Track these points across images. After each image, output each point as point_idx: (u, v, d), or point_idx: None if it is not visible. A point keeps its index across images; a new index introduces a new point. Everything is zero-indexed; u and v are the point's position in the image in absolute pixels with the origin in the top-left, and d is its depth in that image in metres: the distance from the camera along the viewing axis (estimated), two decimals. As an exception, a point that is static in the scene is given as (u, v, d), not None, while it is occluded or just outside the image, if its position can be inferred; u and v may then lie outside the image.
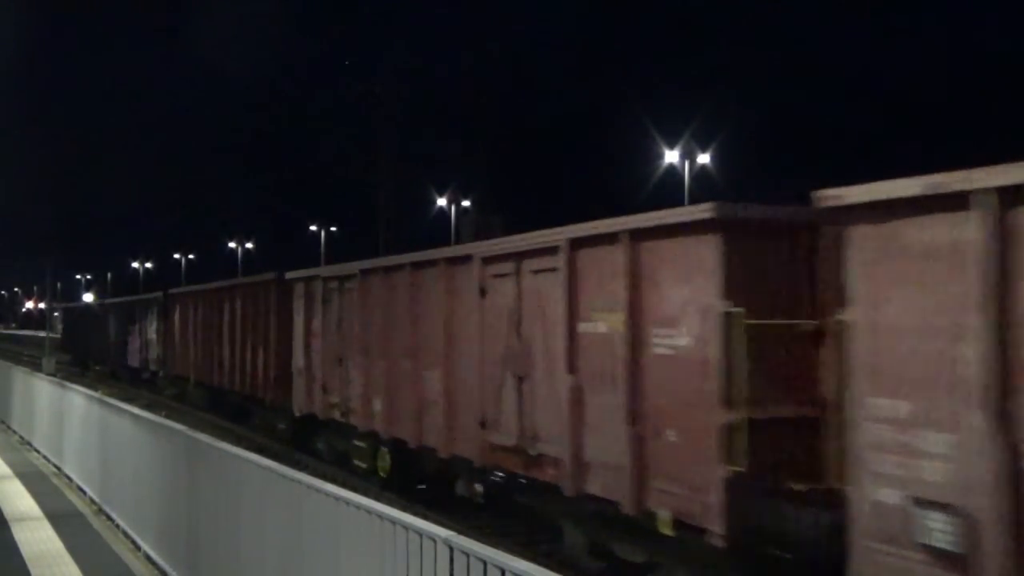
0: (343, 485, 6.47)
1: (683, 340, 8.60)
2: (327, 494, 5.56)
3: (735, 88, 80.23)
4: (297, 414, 18.75)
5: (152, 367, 34.12)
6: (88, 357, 47.25)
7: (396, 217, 48.83)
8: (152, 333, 33.98)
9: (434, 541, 4.42)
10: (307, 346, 18.16)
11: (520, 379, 11.05)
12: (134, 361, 36.86)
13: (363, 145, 50.38)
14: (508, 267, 11.42)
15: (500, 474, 11.72)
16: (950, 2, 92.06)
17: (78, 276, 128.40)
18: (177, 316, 30.56)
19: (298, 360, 18.60)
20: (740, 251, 8.25)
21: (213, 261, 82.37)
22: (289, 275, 19.55)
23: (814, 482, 7.57)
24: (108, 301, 45.80)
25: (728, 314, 8.03)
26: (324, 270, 18.32)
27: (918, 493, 6.10)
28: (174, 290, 32.94)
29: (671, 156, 38.24)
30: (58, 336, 61.12)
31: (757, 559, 7.95)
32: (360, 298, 15.75)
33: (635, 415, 9.14)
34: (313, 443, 18.95)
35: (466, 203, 51.08)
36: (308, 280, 18.42)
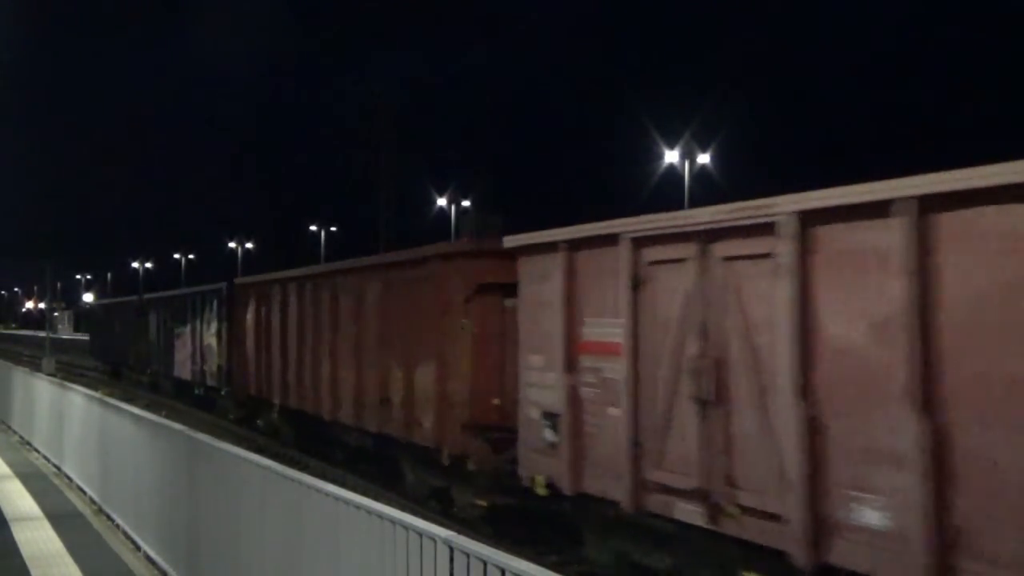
0: (343, 485, 6.47)
1: None
2: (327, 494, 5.55)
3: (735, 88, 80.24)
4: (541, 491, 10.29)
5: (210, 381, 26.09)
6: (122, 364, 39.92)
7: (396, 217, 48.86)
8: (210, 337, 25.86)
9: (434, 541, 4.41)
10: (572, 366, 9.83)
11: None
12: (183, 372, 28.93)
13: (363, 145, 50.43)
14: None
15: None
16: (952, 3, 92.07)
17: (78, 276, 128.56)
18: (250, 315, 22.19)
19: (542, 392, 10.20)
20: None
21: (213, 261, 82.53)
22: (513, 240, 10.97)
23: None
24: (149, 296, 36.87)
25: None
26: (635, 224, 9.22)
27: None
28: (243, 279, 24.60)
29: (671, 156, 38.31)
30: (58, 336, 60.54)
31: None
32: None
33: None
34: (578, 543, 10.42)
35: (466, 203, 51.21)
36: (578, 245, 9.86)
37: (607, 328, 9.48)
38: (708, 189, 36.11)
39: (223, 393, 24.80)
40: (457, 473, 12.67)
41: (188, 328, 28.07)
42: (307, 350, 18.30)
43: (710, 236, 8.23)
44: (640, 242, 9.04)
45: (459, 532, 4.43)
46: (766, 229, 7.57)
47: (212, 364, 25.66)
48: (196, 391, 27.66)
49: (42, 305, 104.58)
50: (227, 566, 7.30)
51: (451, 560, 4.27)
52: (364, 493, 6.26)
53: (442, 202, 52.48)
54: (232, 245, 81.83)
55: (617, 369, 9.32)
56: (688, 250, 8.48)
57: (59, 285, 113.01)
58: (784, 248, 7.37)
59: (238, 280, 24.49)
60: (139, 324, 35.11)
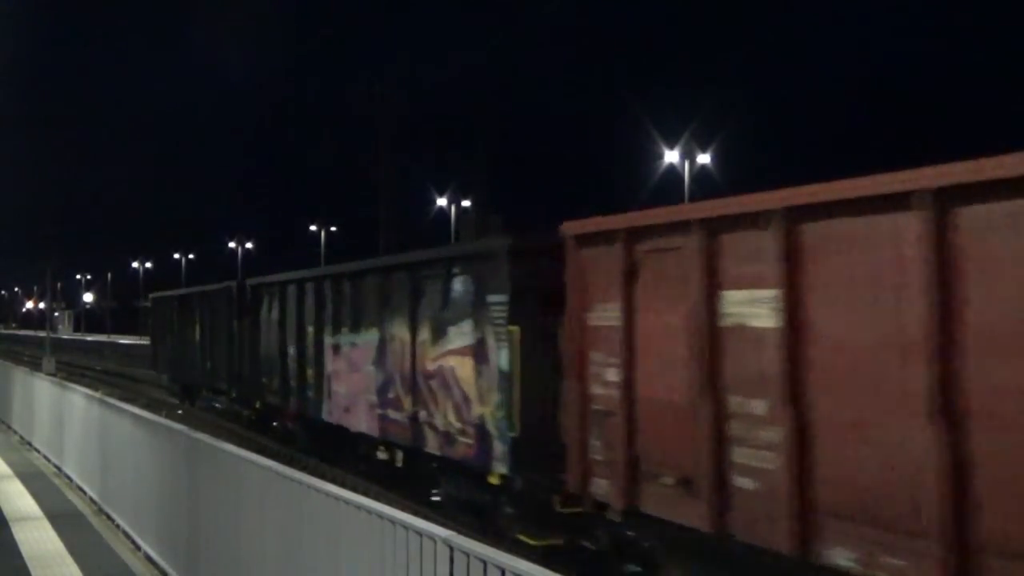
0: (343, 484, 6.46)
1: None
2: (327, 494, 5.55)
3: (735, 88, 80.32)
4: None
5: (434, 446, 12.60)
6: (205, 386, 25.37)
7: (396, 217, 48.84)
8: (443, 355, 12.38)
9: (434, 541, 4.41)
10: None
11: None
12: (353, 419, 15.52)
13: (363, 145, 50.49)
14: None
15: None
16: (949, 1, 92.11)
17: (78, 276, 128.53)
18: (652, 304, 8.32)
19: None
20: None
21: (213, 261, 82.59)
22: None
23: None
24: (257, 281, 21.75)
25: None
26: None
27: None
28: (583, 224, 9.44)
29: (671, 156, 38.29)
30: (58, 336, 59.53)
31: None
32: None
33: None
34: None
35: (466, 203, 51.23)
36: None
37: None
38: (708, 188, 36.10)
39: (498, 483, 11.06)
40: None
41: (369, 336, 14.92)
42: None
43: None
44: None
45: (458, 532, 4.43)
46: None
47: (453, 413, 12.04)
48: (380, 455, 15.03)
49: (42, 305, 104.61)
50: (227, 566, 7.30)
51: (451, 560, 4.27)
52: (364, 493, 6.26)
53: (442, 202, 52.58)
54: (232, 245, 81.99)
55: None
56: None
57: (59, 285, 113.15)
58: None
59: (573, 226, 9.64)
60: (240, 326, 21.82)
